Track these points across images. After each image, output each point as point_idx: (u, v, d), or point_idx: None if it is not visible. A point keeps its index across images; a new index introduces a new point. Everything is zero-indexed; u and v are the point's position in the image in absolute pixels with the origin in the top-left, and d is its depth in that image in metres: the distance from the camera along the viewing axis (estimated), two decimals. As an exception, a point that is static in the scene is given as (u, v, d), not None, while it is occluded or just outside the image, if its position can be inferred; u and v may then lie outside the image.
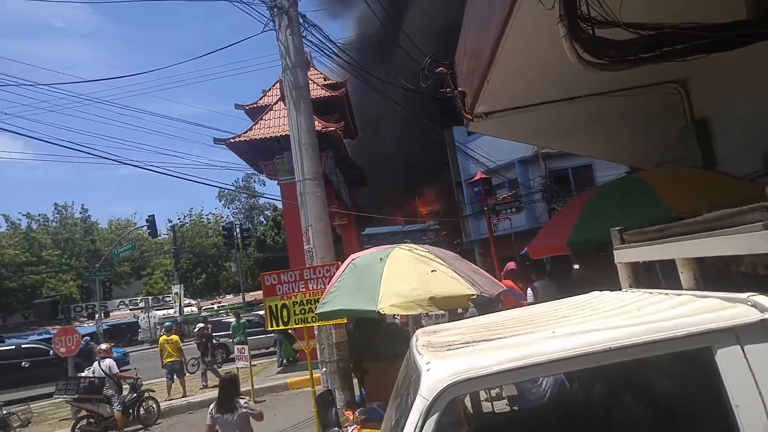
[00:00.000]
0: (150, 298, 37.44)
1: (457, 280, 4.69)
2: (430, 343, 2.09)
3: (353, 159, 21.60)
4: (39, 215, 47.85)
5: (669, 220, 2.67)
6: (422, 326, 3.37)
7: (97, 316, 26.65)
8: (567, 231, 5.18)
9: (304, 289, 5.88)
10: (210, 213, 54.23)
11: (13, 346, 18.18)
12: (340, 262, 5.84)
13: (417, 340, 2.27)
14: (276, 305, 5.95)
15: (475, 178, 16.10)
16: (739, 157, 5.44)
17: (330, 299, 5.20)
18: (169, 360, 11.97)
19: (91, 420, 9.63)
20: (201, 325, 15.39)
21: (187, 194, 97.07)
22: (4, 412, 8.97)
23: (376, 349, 6.04)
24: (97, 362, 9.84)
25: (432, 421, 1.56)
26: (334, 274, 5.81)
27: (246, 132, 13.58)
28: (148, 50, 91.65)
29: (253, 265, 43.03)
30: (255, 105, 15.05)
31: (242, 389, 11.48)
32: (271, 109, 14.05)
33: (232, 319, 17.87)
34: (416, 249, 5.32)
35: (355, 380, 6.21)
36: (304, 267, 6.03)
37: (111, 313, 36.70)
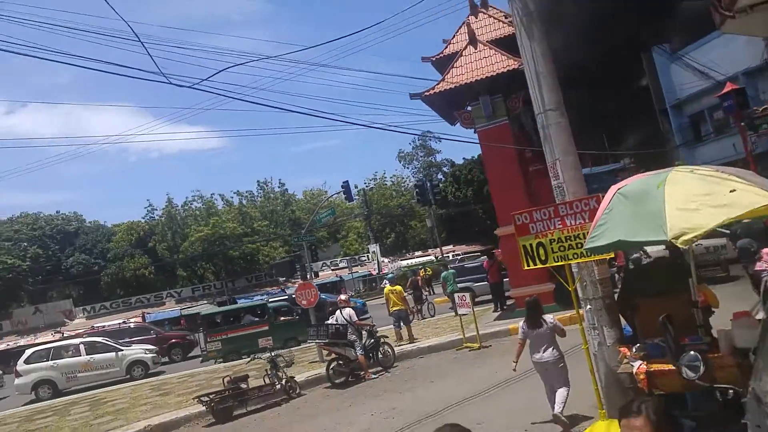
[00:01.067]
0: (348, 258, 40.69)
1: (768, 196, 3.95)
2: None
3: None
4: (246, 192, 54.82)
5: None
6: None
7: (308, 275, 29.84)
8: None
9: (561, 226, 5.60)
10: (392, 175, 56.98)
11: (286, 297, 21.57)
12: (600, 195, 5.43)
13: None
14: (531, 244, 5.78)
15: (724, 90, 13.90)
16: None
17: (600, 232, 4.83)
18: (395, 309, 12.79)
19: (340, 362, 10.72)
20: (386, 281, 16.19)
21: (367, 161, 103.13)
22: (273, 353, 10.42)
23: (645, 285, 5.57)
24: (338, 311, 10.87)
25: None
26: (594, 207, 5.43)
27: (438, 83, 13.57)
28: (318, 27, 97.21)
29: (436, 221, 44.30)
30: (441, 55, 14.92)
31: (467, 335, 11.82)
32: (461, 55, 13.76)
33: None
34: (699, 169, 4.68)
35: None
36: (558, 203, 5.74)
37: (319, 274, 40.87)
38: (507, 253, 13.72)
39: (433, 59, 15.00)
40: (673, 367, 4.57)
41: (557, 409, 5.86)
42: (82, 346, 17.31)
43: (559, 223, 5.62)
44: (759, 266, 6.70)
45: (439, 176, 50.33)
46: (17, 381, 16.69)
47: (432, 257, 38.35)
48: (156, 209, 53.52)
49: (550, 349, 5.91)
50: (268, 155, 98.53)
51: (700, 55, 19.66)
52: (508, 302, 15.55)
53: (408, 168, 57.67)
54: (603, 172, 28.94)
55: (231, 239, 47.25)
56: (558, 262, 5.66)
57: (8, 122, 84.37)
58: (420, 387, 9.33)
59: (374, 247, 29.18)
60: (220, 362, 16.66)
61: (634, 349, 5.21)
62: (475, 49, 13.65)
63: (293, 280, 49.43)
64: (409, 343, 12.74)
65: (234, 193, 54.20)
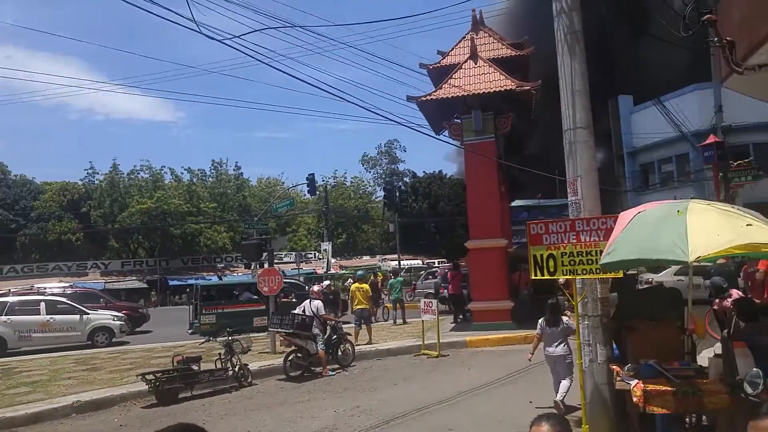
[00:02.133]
0: (294, 253, 39.90)
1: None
2: None
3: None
4: (198, 170, 52.60)
5: None
6: None
7: (253, 266, 28.95)
8: None
9: (575, 240, 5.65)
10: (353, 177, 56.60)
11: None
12: (617, 215, 5.56)
13: None
14: (542, 255, 5.79)
15: (707, 141, 14.77)
16: None
17: (617, 249, 4.96)
18: (358, 307, 12.55)
19: (299, 355, 10.35)
20: (327, 282, 16.34)
21: (327, 158, 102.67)
22: (230, 338, 9.90)
23: (642, 310, 5.80)
24: (308, 301, 10.54)
25: None
26: (611, 227, 5.52)
27: (436, 91, 13.61)
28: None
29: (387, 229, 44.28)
30: (439, 65, 15.02)
31: (427, 342, 11.75)
32: (461, 68, 13.88)
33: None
34: (716, 204, 4.99)
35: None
36: (575, 218, 5.81)
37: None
38: (474, 266, 13.87)
39: (431, 67, 15.07)
40: (670, 388, 4.73)
41: (559, 397, 6.70)
42: (43, 305, 15.92)
43: (574, 238, 5.66)
44: (726, 303, 7.21)
45: (400, 185, 50.71)
46: None
47: (378, 263, 38.36)
48: (98, 173, 50.52)
49: (562, 345, 6.82)
50: (227, 138, 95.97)
51: (655, 112, 21.03)
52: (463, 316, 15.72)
53: (370, 172, 57.83)
54: (551, 205, 29.85)
55: (174, 216, 45.17)
56: (566, 275, 5.71)
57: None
58: (383, 388, 9.15)
59: (327, 245, 28.71)
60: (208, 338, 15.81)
61: (626, 369, 5.35)
62: (475, 64, 13.83)
63: (233, 268, 47.88)
64: (367, 344, 12.55)
65: (185, 169, 51.83)
